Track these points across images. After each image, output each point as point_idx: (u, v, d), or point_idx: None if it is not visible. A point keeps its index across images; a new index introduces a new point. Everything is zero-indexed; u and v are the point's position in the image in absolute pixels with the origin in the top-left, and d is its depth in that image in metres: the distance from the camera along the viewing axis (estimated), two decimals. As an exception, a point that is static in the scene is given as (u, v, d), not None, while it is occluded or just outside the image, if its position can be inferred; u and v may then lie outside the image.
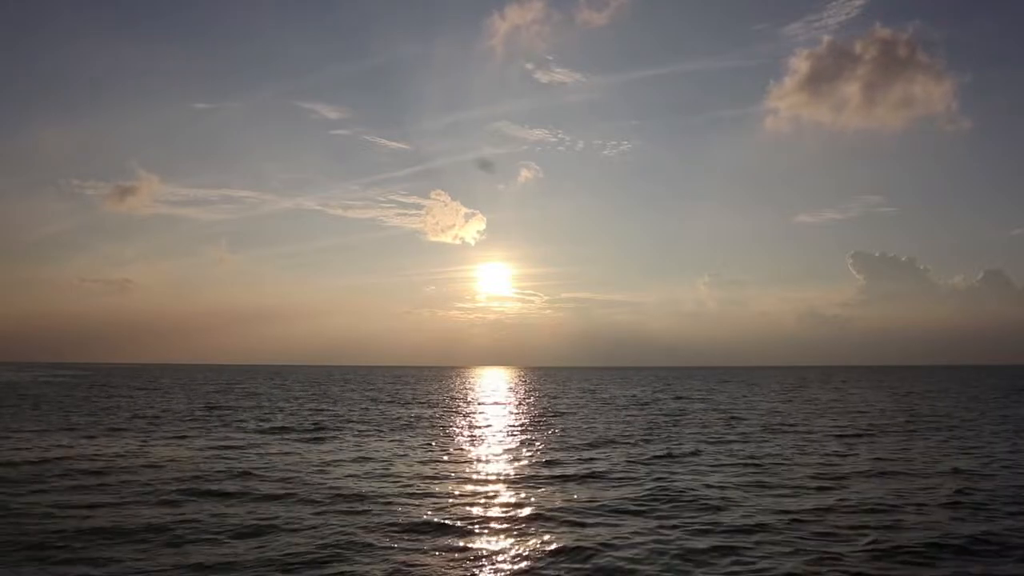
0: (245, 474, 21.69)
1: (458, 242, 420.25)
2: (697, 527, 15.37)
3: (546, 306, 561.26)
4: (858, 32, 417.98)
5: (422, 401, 64.01)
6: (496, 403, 62.40)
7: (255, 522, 15.59)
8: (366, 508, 17.11)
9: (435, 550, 13.64)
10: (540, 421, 42.17)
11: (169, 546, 13.70)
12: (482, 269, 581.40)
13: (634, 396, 71.52)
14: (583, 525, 15.55)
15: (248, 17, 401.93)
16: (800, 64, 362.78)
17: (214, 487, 19.52)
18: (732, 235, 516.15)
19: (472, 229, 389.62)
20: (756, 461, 24.63)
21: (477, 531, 15.11)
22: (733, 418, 43.61)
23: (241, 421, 40.30)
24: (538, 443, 30.28)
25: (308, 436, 32.70)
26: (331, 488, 19.55)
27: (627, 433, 34.30)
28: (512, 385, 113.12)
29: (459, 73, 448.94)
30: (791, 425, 38.27)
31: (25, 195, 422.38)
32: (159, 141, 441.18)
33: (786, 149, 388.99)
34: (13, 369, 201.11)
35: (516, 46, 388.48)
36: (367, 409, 51.92)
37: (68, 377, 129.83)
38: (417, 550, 13.59)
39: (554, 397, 72.31)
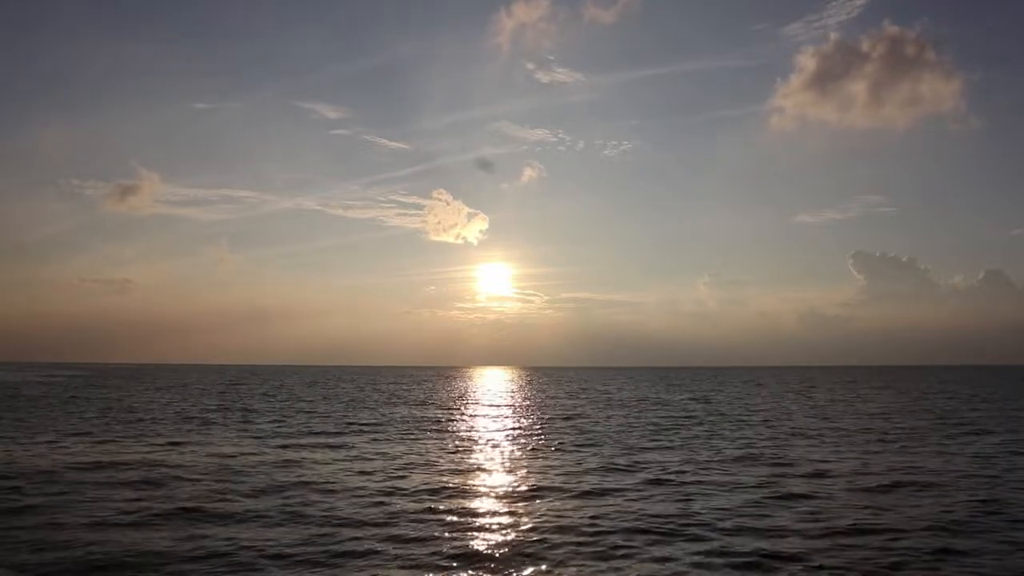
0: (265, 482, 20.73)
1: (460, 241, 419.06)
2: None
3: (546, 306, 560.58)
4: (860, 31, 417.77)
5: (433, 403, 62.99)
6: (506, 404, 61.31)
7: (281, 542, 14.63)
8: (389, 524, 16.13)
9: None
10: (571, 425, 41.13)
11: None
12: (482, 269, 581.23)
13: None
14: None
15: (248, 17, 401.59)
16: (806, 62, 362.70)
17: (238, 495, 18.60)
18: (732, 235, 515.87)
19: (474, 228, 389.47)
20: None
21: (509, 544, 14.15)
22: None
23: (252, 424, 39.32)
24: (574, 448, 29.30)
25: (327, 441, 31.69)
26: (363, 497, 18.60)
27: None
28: (519, 385, 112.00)
29: (461, 72, 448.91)
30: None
31: (25, 195, 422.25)
32: (159, 141, 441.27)
33: (788, 149, 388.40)
34: (13, 369, 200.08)
35: (522, 44, 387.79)
36: (374, 411, 50.90)
37: (66, 377, 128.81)
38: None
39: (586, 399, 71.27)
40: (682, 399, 67.59)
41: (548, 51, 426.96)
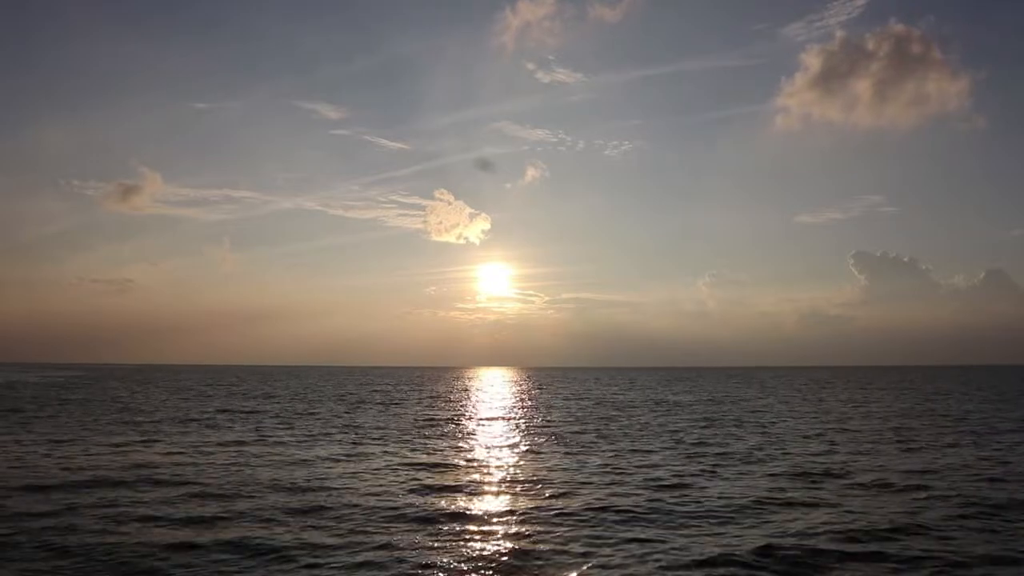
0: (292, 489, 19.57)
1: (462, 241, 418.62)
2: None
3: (546, 306, 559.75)
4: (863, 30, 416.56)
5: (438, 404, 61.86)
6: (512, 406, 60.10)
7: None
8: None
9: None
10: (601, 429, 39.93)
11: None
12: (483, 269, 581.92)
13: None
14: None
15: (249, 17, 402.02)
16: (810, 61, 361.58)
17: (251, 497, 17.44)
18: (733, 235, 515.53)
19: (477, 228, 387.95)
20: None
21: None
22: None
23: (255, 427, 38.17)
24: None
25: (332, 446, 30.54)
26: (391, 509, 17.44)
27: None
28: (522, 386, 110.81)
29: (463, 71, 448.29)
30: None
31: (25, 195, 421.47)
32: (160, 141, 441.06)
33: (789, 149, 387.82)
34: (15, 369, 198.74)
35: (526, 42, 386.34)
36: (378, 412, 49.73)
37: (65, 378, 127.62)
38: None
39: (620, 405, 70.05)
40: (691, 400, 66.39)
41: (549, 51, 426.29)
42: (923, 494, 19.21)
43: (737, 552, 13.51)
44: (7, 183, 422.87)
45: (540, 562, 12.99)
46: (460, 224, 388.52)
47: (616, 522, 16.12)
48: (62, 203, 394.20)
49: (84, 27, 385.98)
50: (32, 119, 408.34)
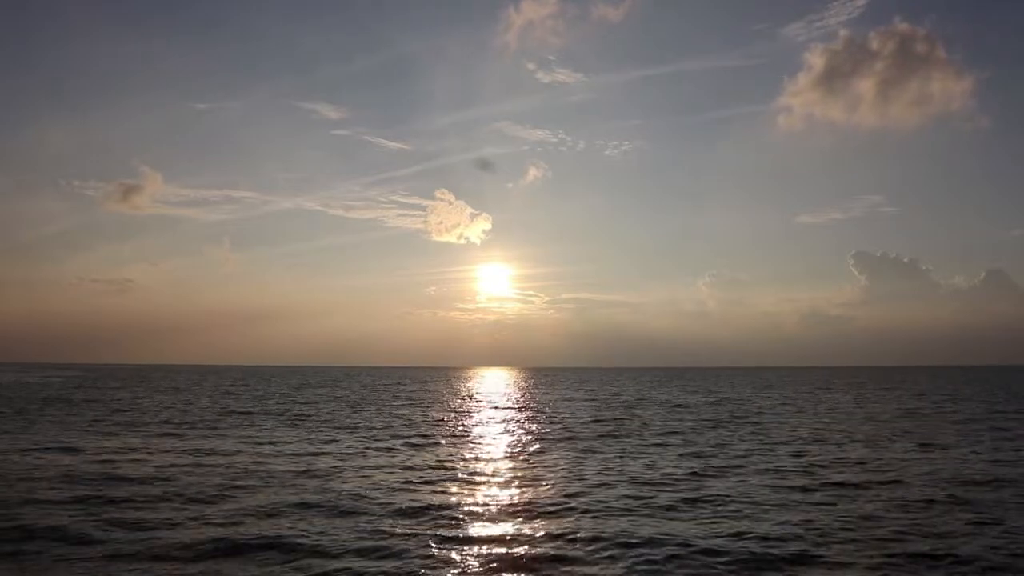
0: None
1: (463, 241, 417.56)
2: None
3: (547, 306, 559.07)
4: (864, 30, 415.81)
5: (441, 405, 61.36)
6: (516, 406, 59.56)
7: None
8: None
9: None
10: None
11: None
12: (483, 270, 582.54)
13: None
14: None
15: (249, 16, 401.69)
16: (813, 60, 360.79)
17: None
18: (733, 235, 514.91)
19: (477, 228, 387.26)
20: None
21: None
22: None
23: (258, 428, 37.68)
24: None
25: (335, 447, 30.05)
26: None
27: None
28: (524, 386, 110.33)
29: (464, 71, 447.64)
30: None
31: (25, 195, 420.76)
32: (160, 141, 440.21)
33: (790, 149, 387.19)
34: (15, 369, 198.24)
35: (529, 42, 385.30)
36: (381, 414, 49.23)
37: (65, 378, 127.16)
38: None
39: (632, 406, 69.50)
40: (697, 401, 65.84)
41: (550, 51, 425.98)
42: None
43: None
44: (7, 183, 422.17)
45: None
46: (461, 224, 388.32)
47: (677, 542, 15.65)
48: (62, 203, 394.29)
49: (84, 27, 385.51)
50: (32, 119, 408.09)
